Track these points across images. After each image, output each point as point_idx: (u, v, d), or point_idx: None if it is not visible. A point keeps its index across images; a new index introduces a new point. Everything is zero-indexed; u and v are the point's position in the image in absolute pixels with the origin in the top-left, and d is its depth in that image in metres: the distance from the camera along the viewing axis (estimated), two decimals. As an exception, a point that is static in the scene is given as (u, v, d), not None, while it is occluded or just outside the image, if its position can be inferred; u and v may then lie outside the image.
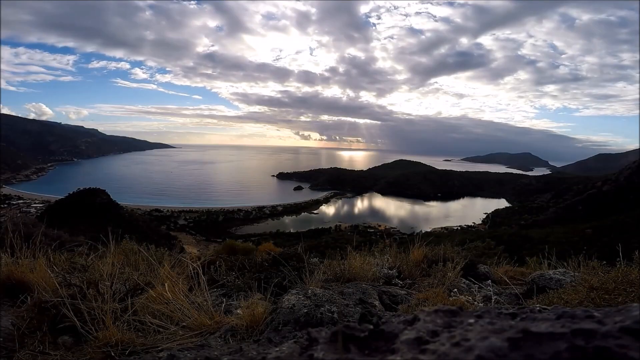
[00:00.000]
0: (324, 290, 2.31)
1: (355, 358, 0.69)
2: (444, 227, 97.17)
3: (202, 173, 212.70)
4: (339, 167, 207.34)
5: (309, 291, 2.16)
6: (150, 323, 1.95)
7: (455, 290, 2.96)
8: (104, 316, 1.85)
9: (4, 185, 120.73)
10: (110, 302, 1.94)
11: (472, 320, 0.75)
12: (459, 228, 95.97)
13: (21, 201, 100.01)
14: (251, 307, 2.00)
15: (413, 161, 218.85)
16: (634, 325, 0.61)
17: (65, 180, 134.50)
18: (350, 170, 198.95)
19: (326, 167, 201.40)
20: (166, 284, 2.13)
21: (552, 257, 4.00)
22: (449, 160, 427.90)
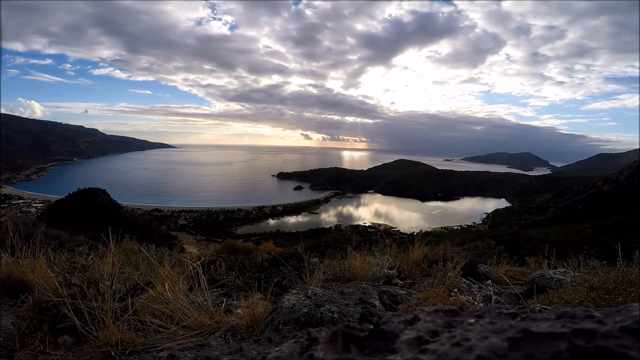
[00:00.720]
0: (324, 290, 2.31)
1: (355, 358, 0.69)
2: (444, 227, 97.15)
3: (204, 174, 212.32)
4: (338, 167, 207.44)
5: (309, 291, 2.16)
6: (151, 323, 1.95)
7: (456, 290, 2.96)
8: (104, 316, 1.85)
9: (4, 185, 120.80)
10: (110, 302, 1.94)
11: (472, 320, 0.75)
12: (459, 228, 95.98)
13: (21, 201, 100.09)
14: (251, 307, 2.00)
15: (413, 161, 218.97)
16: (634, 325, 0.61)
17: (65, 180, 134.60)
18: (351, 170, 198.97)
19: (326, 167, 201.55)
20: (166, 284, 2.13)
21: (552, 257, 4.00)
22: (449, 160, 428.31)
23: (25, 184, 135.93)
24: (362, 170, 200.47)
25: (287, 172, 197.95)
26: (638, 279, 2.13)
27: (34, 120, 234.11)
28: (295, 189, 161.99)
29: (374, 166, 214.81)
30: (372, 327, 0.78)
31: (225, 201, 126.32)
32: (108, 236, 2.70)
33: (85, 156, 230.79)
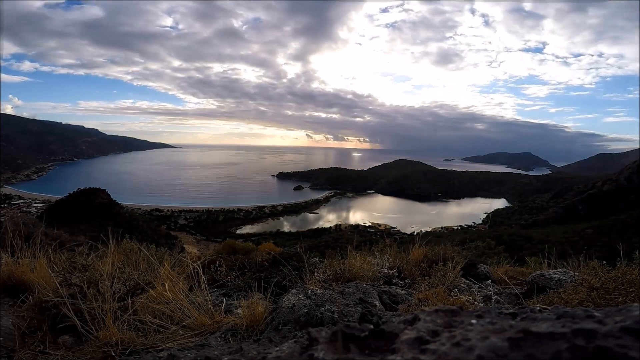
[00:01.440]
0: (324, 290, 2.31)
1: (355, 358, 0.69)
2: (444, 227, 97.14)
3: (206, 175, 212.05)
4: (339, 167, 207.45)
5: (309, 291, 2.16)
6: (151, 323, 1.95)
7: (456, 290, 2.96)
8: (104, 316, 1.85)
9: (4, 185, 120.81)
10: (110, 302, 1.94)
11: (472, 320, 0.75)
12: (459, 228, 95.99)
13: (21, 201, 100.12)
14: (251, 307, 2.00)
15: (413, 161, 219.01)
16: (634, 325, 0.61)
17: (65, 180, 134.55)
18: (351, 170, 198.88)
19: (326, 167, 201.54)
20: (166, 284, 2.13)
21: (552, 257, 4.00)
22: (449, 160, 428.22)
23: (25, 184, 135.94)
24: (362, 170, 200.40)
25: (287, 172, 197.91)
26: (638, 279, 2.14)
27: (34, 120, 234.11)
28: (295, 189, 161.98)
29: (374, 166, 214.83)
30: (372, 327, 0.78)
31: (225, 201, 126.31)
32: (108, 236, 2.70)
33: (85, 156, 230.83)
